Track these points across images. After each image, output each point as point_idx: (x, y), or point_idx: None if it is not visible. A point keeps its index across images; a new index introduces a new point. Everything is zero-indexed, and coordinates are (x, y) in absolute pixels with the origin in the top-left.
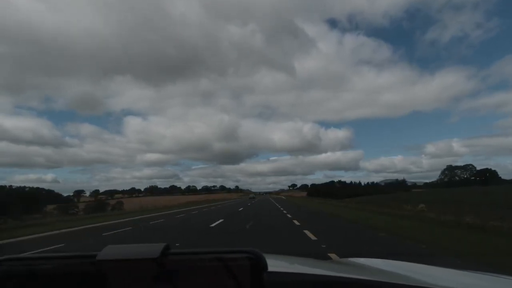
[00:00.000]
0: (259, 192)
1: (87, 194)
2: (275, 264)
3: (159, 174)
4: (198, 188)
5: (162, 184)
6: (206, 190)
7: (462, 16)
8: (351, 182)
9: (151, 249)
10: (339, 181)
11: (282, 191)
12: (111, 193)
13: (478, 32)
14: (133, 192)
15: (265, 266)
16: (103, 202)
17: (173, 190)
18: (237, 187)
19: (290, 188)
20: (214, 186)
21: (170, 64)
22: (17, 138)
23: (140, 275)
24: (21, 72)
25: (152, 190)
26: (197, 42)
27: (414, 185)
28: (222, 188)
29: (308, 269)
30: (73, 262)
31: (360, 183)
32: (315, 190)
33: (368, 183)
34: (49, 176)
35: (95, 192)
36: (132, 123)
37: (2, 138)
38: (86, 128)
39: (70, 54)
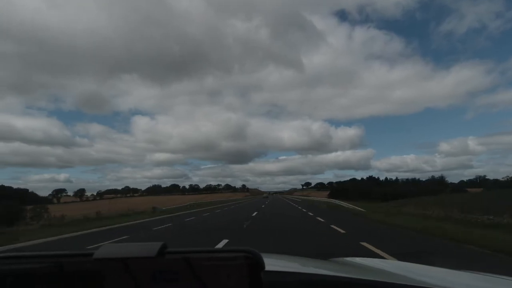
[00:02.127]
0: (269, 192)
1: (70, 194)
2: (273, 263)
3: (168, 173)
4: (201, 187)
5: (172, 183)
6: (210, 189)
7: (480, 5)
8: (386, 178)
9: (148, 248)
10: (370, 177)
11: (294, 190)
12: (100, 194)
13: (497, 22)
14: (127, 191)
15: (262, 265)
16: (17, 209)
17: (174, 189)
18: (244, 186)
19: (304, 187)
20: (219, 185)
21: (175, 62)
22: (29, 138)
23: (137, 274)
24: (31, 72)
25: (154, 190)
26: (202, 38)
27: (450, 184)
28: (228, 187)
29: (306, 268)
30: (70, 260)
31: (397, 179)
32: (338, 189)
33: (407, 179)
34: (62, 175)
35: (80, 192)
36: (140, 123)
37: (14, 139)
38: (95, 128)
39: (76, 53)
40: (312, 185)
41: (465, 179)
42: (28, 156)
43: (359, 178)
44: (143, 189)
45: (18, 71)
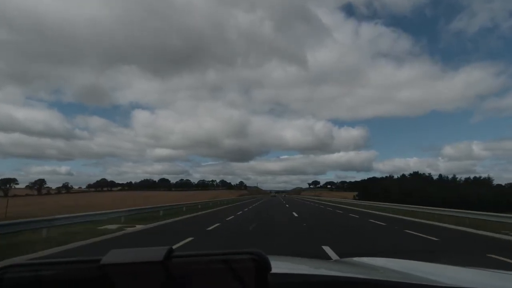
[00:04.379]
0: (270, 191)
1: (22, 185)
2: (279, 265)
3: (169, 169)
4: (194, 183)
5: (172, 179)
6: (203, 185)
7: (494, 3)
8: (441, 175)
9: (155, 252)
10: (416, 174)
11: (301, 189)
12: (67, 186)
13: (510, 21)
14: (103, 185)
15: (269, 267)
16: None
17: (162, 184)
18: (241, 183)
19: (311, 186)
20: (213, 181)
21: (176, 55)
22: (30, 129)
23: (144, 278)
24: (30, 62)
25: (139, 185)
26: (204, 30)
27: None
28: (223, 183)
29: (312, 269)
30: (77, 267)
31: (454, 177)
32: (368, 188)
33: (468, 178)
34: (63, 168)
35: (39, 182)
36: (140, 117)
37: (15, 130)
38: (95, 121)
39: (76, 44)
40: (321, 184)
41: (502, 182)
42: (29, 148)
43: (393, 175)
44: (125, 183)
45: (17, 60)
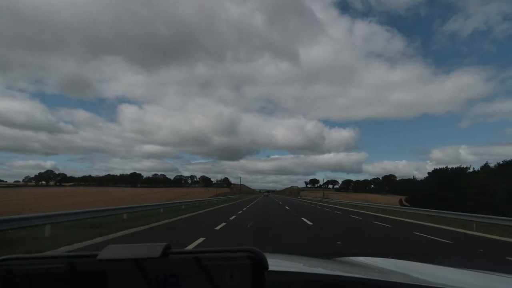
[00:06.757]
0: (260, 190)
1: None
2: (276, 263)
3: (157, 166)
4: (171, 179)
5: (162, 176)
6: (177, 182)
7: (491, 5)
8: None
9: (152, 248)
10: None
11: (297, 189)
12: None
13: (504, 25)
14: (48, 179)
15: (266, 265)
16: None
17: (132, 179)
18: (226, 179)
19: (308, 185)
20: (192, 177)
21: (165, 47)
22: (10, 121)
23: (141, 274)
24: (9, 49)
25: (105, 179)
26: (193, 20)
27: None
28: (203, 180)
29: (309, 268)
30: (74, 261)
31: None
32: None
33: None
34: (48, 163)
35: None
36: (128, 111)
37: None
38: (80, 114)
39: (58, 31)
40: (321, 183)
41: None
42: (10, 140)
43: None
44: (80, 177)
45: None
